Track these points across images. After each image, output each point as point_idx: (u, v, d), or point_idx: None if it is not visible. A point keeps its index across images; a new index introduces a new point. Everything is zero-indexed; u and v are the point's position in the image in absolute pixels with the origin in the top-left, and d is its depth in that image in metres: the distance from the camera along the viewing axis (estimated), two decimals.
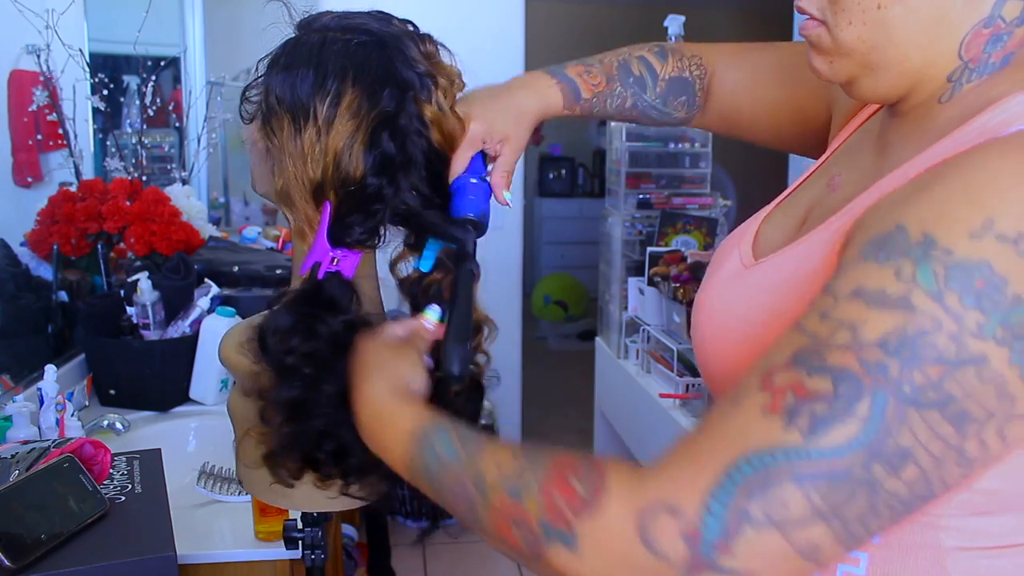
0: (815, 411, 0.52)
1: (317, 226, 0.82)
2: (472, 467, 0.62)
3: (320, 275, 0.81)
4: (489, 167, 0.88)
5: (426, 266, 0.88)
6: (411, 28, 0.85)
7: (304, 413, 0.79)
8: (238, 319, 1.80)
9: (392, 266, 0.90)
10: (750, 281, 0.75)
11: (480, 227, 0.85)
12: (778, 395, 0.54)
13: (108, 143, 2.36)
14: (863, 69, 0.67)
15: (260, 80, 0.83)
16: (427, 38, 0.85)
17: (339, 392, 0.78)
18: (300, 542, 1.02)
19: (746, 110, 0.98)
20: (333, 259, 0.81)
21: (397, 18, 0.84)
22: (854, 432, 0.52)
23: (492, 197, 0.87)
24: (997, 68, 0.64)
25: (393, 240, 0.88)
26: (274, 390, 0.80)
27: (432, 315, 0.82)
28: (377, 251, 0.88)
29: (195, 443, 1.79)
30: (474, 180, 0.85)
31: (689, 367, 2.18)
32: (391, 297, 0.92)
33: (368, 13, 0.84)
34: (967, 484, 0.57)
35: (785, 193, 0.87)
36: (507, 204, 0.88)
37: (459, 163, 0.84)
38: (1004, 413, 0.53)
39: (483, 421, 0.96)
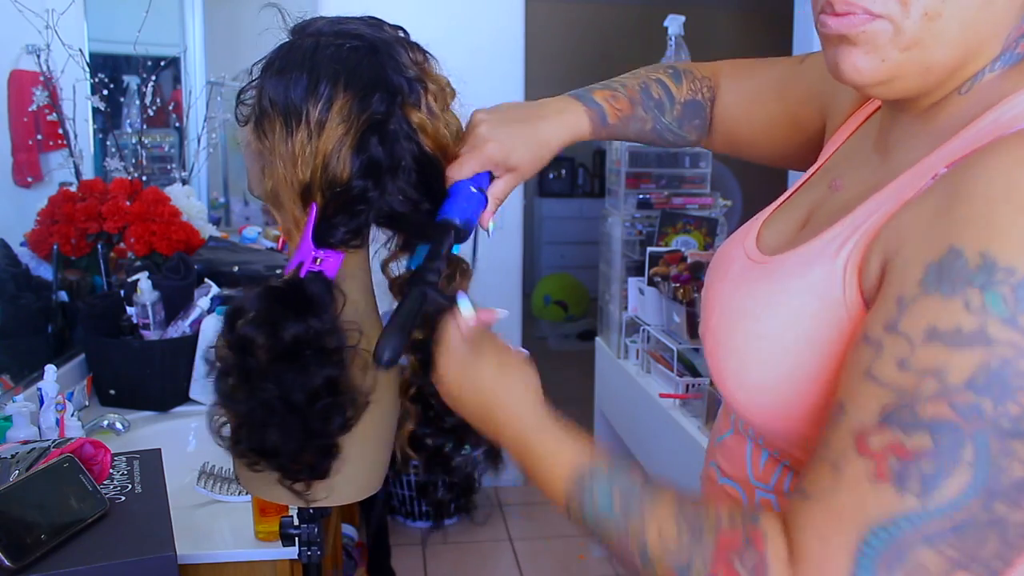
0: (923, 470, 0.52)
1: (304, 227, 0.83)
2: (634, 530, 0.63)
3: (302, 274, 0.81)
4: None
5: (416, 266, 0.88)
6: (402, 35, 0.86)
7: (237, 397, 0.81)
8: None
9: (384, 266, 0.91)
10: (760, 280, 0.74)
11: (461, 234, 0.84)
12: (881, 460, 0.54)
13: (108, 143, 2.37)
14: (912, 67, 0.64)
15: (254, 83, 0.84)
16: (416, 46, 0.86)
17: (277, 393, 0.79)
18: (296, 539, 1.02)
19: (744, 129, 0.99)
20: (316, 259, 0.82)
21: (388, 24, 0.86)
22: (967, 480, 0.52)
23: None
24: (1016, 61, 0.64)
25: (389, 241, 0.89)
26: (221, 365, 0.82)
27: (465, 306, 0.78)
28: (371, 253, 0.88)
29: (195, 443, 1.79)
30: (473, 189, 0.84)
31: (689, 367, 2.18)
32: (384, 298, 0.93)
33: (360, 19, 0.85)
34: None
35: (783, 197, 0.86)
36: (486, 231, 0.86)
37: (462, 171, 0.84)
38: None
39: None
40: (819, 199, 0.79)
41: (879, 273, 0.60)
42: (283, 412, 0.80)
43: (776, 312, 0.69)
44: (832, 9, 0.64)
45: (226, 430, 0.84)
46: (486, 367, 0.74)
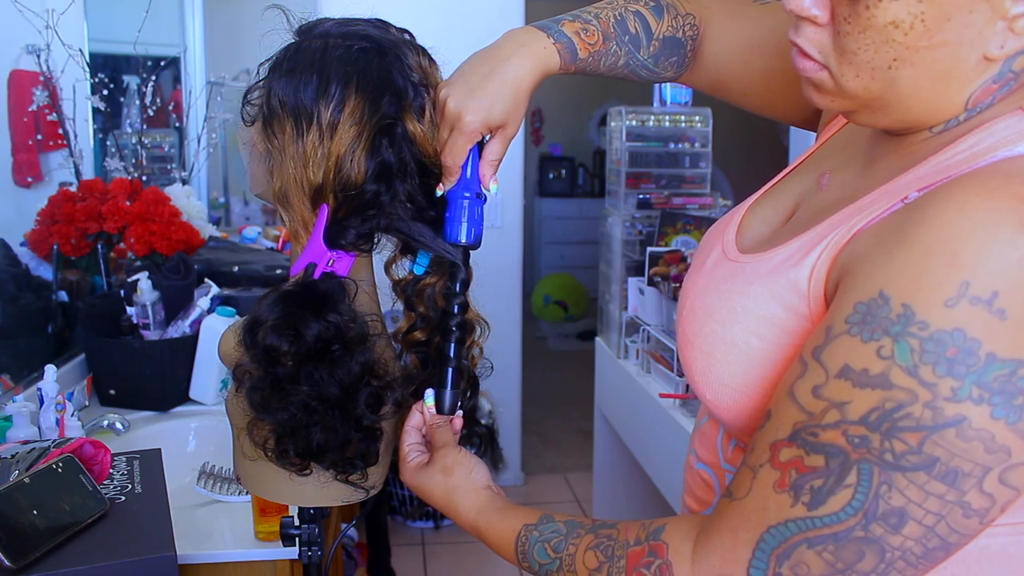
0: (814, 485, 0.60)
1: (312, 228, 0.83)
2: (568, 569, 0.73)
3: (316, 275, 0.82)
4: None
5: (420, 269, 0.89)
6: (408, 37, 0.86)
7: (274, 407, 0.81)
8: (238, 319, 1.80)
9: (387, 268, 0.91)
10: (729, 280, 0.75)
11: (473, 248, 0.86)
12: (784, 471, 0.62)
13: (108, 143, 2.37)
14: (864, 108, 0.67)
15: (261, 83, 0.84)
16: (422, 50, 0.86)
17: (313, 393, 0.80)
18: (297, 539, 1.02)
19: (737, 77, 0.94)
20: (330, 260, 0.83)
21: (395, 26, 0.86)
22: (847, 499, 0.59)
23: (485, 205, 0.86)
24: (991, 105, 0.64)
25: (388, 243, 0.89)
26: (250, 381, 0.82)
27: (430, 400, 0.88)
28: (373, 255, 0.89)
29: (195, 443, 1.79)
30: (467, 196, 0.84)
31: None
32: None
33: (367, 21, 0.85)
34: (990, 526, 0.60)
35: (773, 181, 0.86)
36: (490, 192, 0.86)
37: (455, 157, 0.83)
38: (1002, 463, 0.56)
39: (483, 421, 0.97)
40: (806, 192, 0.79)
41: (835, 291, 0.64)
42: (322, 410, 0.81)
43: (740, 318, 0.71)
44: (797, 47, 0.68)
45: (262, 442, 0.85)
46: (435, 474, 0.84)
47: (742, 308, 0.71)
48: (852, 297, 0.60)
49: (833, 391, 0.60)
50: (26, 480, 0.93)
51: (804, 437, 0.61)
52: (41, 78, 2.01)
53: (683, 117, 2.65)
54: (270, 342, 0.80)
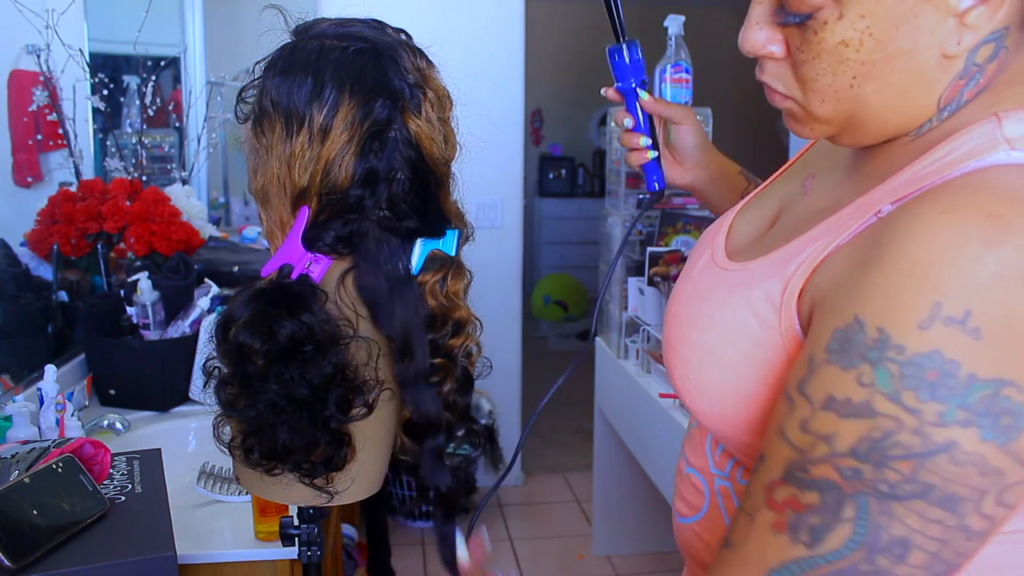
0: (811, 523, 0.59)
1: (289, 229, 0.83)
2: None
3: (293, 277, 0.82)
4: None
5: (415, 267, 0.89)
6: (404, 38, 0.86)
7: (241, 404, 0.81)
8: None
9: None
10: (712, 287, 0.75)
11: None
12: (781, 512, 0.60)
13: (108, 143, 2.37)
14: (842, 129, 0.67)
15: (256, 82, 0.84)
16: (419, 51, 0.86)
17: (281, 392, 0.80)
18: (296, 539, 1.02)
19: None
20: (308, 263, 0.83)
21: (391, 27, 0.86)
22: (847, 534, 0.57)
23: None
24: (969, 103, 0.64)
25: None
26: (218, 377, 0.82)
27: (461, 547, 0.91)
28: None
29: (195, 443, 1.79)
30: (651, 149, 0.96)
31: None
32: None
33: (363, 21, 0.85)
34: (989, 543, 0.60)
35: (762, 186, 0.87)
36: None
37: None
38: (996, 485, 0.55)
39: (483, 421, 0.97)
40: (790, 196, 0.80)
41: (808, 313, 0.63)
42: (289, 410, 0.80)
43: (718, 326, 0.71)
44: (764, 84, 0.69)
45: (228, 440, 0.85)
46: None
47: (720, 316, 0.71)
48: (830, 324, 0.59)
49: (819, 424, 0.59)
50: (26, 480, 0.93)
51: (796, 474, 0.60)
52: (41, 78, 2.01)
53: None
54: (242, 339, 0.79)
